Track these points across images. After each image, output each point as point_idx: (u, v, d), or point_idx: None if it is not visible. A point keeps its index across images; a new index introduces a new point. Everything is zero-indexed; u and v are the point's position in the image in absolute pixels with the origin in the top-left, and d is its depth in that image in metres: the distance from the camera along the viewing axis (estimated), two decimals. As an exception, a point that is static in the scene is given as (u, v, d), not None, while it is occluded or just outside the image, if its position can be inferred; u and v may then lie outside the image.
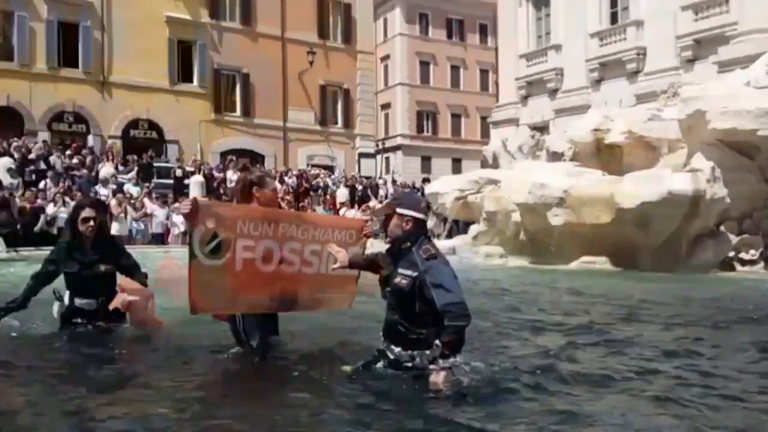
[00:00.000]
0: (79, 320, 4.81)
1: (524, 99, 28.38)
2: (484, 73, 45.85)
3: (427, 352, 3.38)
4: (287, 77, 29.90)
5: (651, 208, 12.06)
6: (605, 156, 16.17)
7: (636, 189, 12.56)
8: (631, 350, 4.63)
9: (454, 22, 46.12)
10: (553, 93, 26.73)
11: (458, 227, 19.23)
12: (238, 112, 29.03)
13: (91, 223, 4.79)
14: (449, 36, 46.11)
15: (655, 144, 15.22)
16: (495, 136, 26.24)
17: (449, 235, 17.91)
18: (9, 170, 16.83)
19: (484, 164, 20.45)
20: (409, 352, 3.42)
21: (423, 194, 22.14)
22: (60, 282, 4.90)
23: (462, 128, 46.48)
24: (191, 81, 27.95)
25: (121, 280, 4.89)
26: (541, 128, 24.44)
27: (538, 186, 13.64)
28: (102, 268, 4.84)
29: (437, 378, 3.24)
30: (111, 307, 4.69)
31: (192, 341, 4.65)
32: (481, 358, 3.98)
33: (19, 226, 14.66)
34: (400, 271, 3.46)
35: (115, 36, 26.06)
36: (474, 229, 16.54)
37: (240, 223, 3.97)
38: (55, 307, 4.85)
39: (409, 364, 3.44)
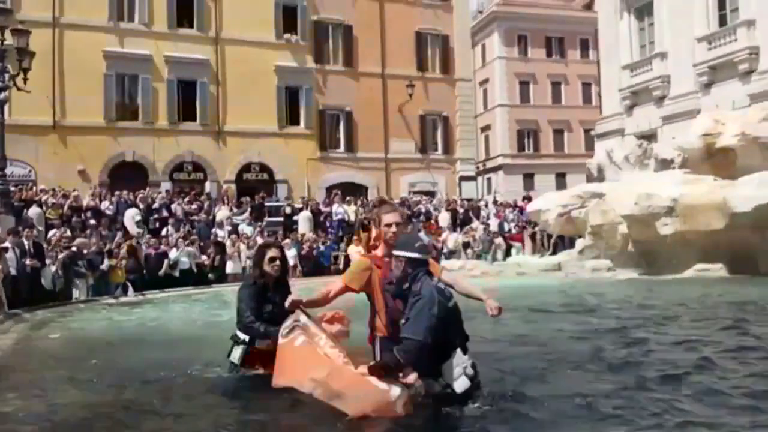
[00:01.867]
0: (257, 367, 4.77)
1: (629, 109, 27.56)
2: (586, 86, 45.03)
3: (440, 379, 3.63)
4: (388, 111, 30.67)
5: (768, 210, 11.46)
6: (717, 161, 15.50)
7: (751, 192, 11.97)
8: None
9: (553, 41, 46.03)
10: (659, 101, 25.81)
11: (563, 243, 18.93)
12: (342, 148, 30.06)
13: (277, 262, 4.86)
14: (549, 54, 45.97)
15: (771, 144, 14.41)
16: (600, 148, 25.57)
17: (554, 252, 17.67)
18: (136, 221, 18.35)
19: (589, 177, 20.04)
20: (430, 380, 3.69)
21: (522, 212, 22.01)
22: (226, 324, 5.08)
23: (565, 143, 45.88)
24: (298, 123, 29.27)
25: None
26: (649, 137, 23.64)
27: (644, 196, 13.33)
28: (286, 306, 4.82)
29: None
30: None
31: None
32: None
33: (144, 272, 15.88)
34: (406, 313, 3.69)
35: (229, 89, 27.80)
36: (580, 243, 16.27)
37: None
38: (238, 352, 4.79)
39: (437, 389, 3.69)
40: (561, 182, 40.36)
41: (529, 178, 43.93)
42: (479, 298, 4.02)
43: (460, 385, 3.53)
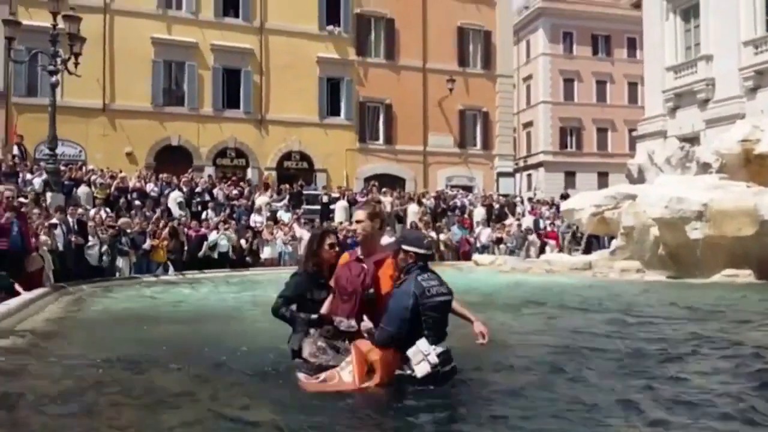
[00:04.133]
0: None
1: (672, 111, 27.24)
2: (632, 86, 44.45)
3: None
4: (427, 104, 30.97)
5: (799, 219, 11.39)
6: (755, 167, 15.39)
7: (783, 199, 11.88)
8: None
9: (600, 39, 45.70)
10: (703, 104, 25.45)
11: (599, 243, 18.94)
12: (381, 140, 30.47)
13: (337, 248, 4.76)
14: (595, 52, 45.61)
15: (811, 153, 14.25)
16: (641, 149, 25.38)
17: (587, 251, 17.70)
18: (179, 203, 19.00)
19: (629, 178, 19.92)
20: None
21: (558, 210, 22.03)
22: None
23: (608, 142, 45.58)
24: (339, 114, 29.77)
25: None
26: (691, 140, 23.36)
27: (675, 200, 13.31)
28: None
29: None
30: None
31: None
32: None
33: (185, 253, 16.50)
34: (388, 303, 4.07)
35: (272, 78, 28.44)
36: (613, 244, 16.30)
37: None
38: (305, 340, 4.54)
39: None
40: (603, 181, 40.02)
41: (570, 176, 43.71)
42: (468, 320, 4.32)
43: (421, 370, 3.89)
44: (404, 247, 4.13)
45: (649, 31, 29.19)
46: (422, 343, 3.93)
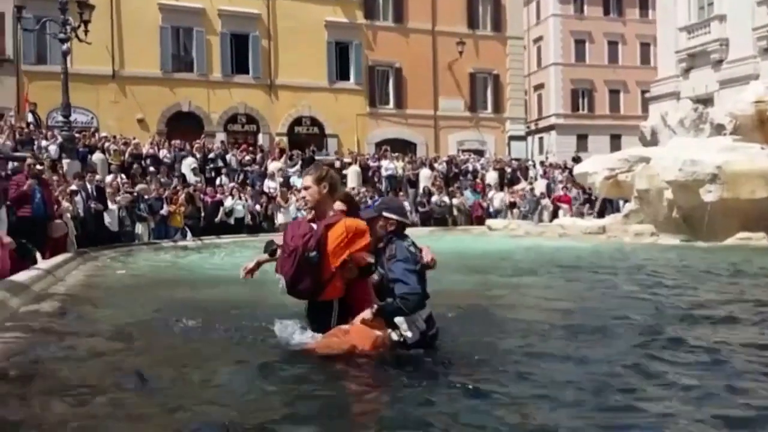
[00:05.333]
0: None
1: (685, 72, 26.99)
2: (644, 46, 43.84)
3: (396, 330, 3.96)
4: (437, 68, 30.79)
5: (814, 180, 11.39)
6: (769, 128, 15.28)
7: (798, 161, 11.88)
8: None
9: (611, -1, 44.83)
10: (717, 64, 25.21)
11: (612, 206, 18.98)
12: (391, 104, 30.41)
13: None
14: (606, 12, 44.86)
15: (825, 113, 14.16)
16: (654, 111, 25.28)
17: (601, 214, 17.76)
18: (193, 169, 19.13)
19: (642, 140, 19.86)
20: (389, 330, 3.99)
21: (571, 173, 21.99)
22: None
23: (621, 104, 45.11)
24: (348, 79, 29.65)
25: None
26: (705, 101, 23.22)
27: (689, 162, 13.28)
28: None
29: (365, 314, 3.84)
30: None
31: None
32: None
33: (202, 217, 16.69)
34: (379, 269, 4.00)
35: (281, 43, 28.32)
36: (626, 207, 16.35)
37: None
38: None
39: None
40: (616, 144, 39.70)
41: (582, 139, 43.39)
42: None
43: (411, 335, 3.92)
44: (386, 214, 4.06)
45: (662, -8, 28.80)
46: None
